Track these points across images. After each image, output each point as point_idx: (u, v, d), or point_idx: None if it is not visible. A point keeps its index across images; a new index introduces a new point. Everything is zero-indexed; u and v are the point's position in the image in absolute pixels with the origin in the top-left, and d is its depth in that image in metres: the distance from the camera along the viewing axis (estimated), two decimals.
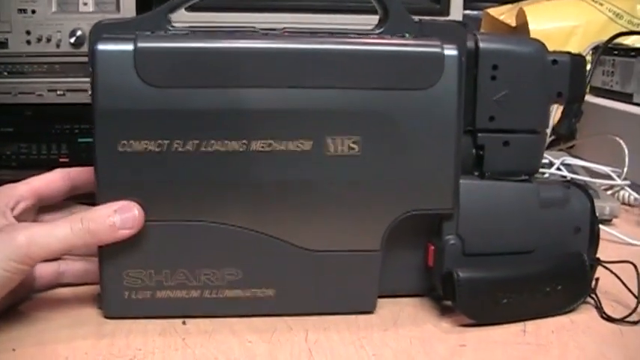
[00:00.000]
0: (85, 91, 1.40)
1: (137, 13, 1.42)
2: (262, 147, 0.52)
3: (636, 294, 0.58)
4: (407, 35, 0.57)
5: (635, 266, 0.59)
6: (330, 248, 0.55)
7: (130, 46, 0.51)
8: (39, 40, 1.41)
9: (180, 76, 0.51)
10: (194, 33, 0.56)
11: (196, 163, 0.52)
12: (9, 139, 1.47)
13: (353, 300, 0.56)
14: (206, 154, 0.52)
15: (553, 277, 0.57)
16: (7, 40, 1.40)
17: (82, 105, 1.43)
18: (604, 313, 0.58)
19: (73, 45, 1.41)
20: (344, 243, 0.55)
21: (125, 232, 0.52)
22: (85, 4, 1.41)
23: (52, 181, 0.59)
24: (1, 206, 0.55)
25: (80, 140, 1.50)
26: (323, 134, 0.53)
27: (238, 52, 0.52)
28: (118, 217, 0.52)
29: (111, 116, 0.51)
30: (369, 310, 0.57)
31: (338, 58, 0.53)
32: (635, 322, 0.57)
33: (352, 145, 0.53)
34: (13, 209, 0.56)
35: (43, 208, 0.60)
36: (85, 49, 1.39)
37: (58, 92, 1.43)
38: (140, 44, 0.51)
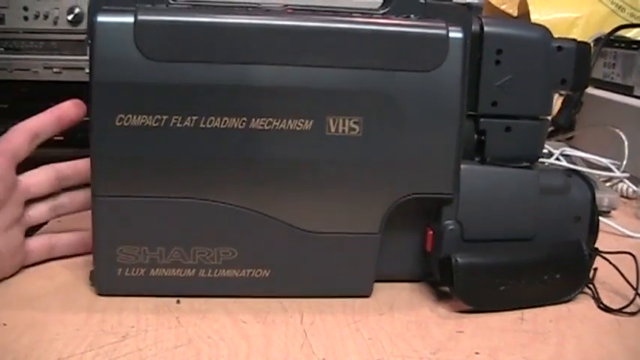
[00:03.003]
0: (82, 69, 1.39)
1: None
2: (262, 125, 0.52)
3: (634, 285, 0.58)
4: (412, 16, 0.56)
5: (635, 257, 0.59)
6: (328, 230, 0.54)
7: (130, 19, 0.50)
8: (36, 16, 1.40)
9: (180, 50, 0.51)
10: (196, 7, 0.55)
11: (194, 140, 0.51)
12: (3, 115, 1.46)
13: (349, 283, 0.56)
14: (205, 131, 0.51)
15: (552, 265, 0.57)
16: (4, 15, 1.39)
17: (78, 83, 1.43)
18: (601, 303, 0.58)
19: (70, 22, 1.40)
20: (342, 225, 0.54)
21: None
22: None
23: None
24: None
25: None
26: (324, 114, 0.52)
27: (240, 28, 0.51)
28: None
29: (109, 89, 0.50)
30: (365, 294, 0.56)
31: (341, 36, 0.52)
32: (632, 313, 0.56)
33: (353, 126, 0.52)
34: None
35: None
36: (82, 26, 1.38)
37: (55, 70, 1.42)
38: (141, 17, 0.50)
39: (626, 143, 0.90)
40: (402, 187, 0.54)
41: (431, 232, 0.57)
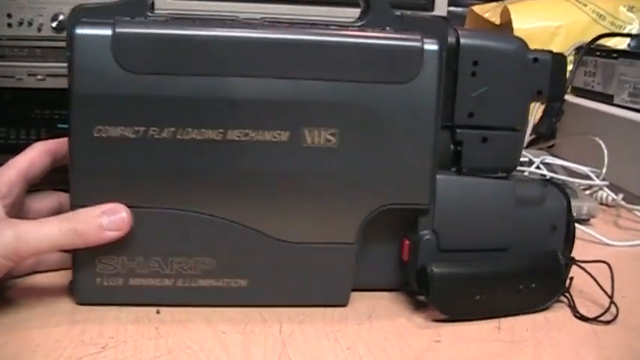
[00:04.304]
0: (65, 76, 1.40)
1: None
2: (239, 136, 0.52)
3: (609, 294, 0.59)
4: (388, 29, 0.57)
5: (609, 266, 0.60)
6: (305, 240, 0.55)
7: (108, 31, 0.50)
8: (20, 23, 1.40)
9: (157, 62, 0.51)
10: (173, 20, 0.55)
11: (172, 151, 0.52)
12: None
13: (326, 293, 0.56)
14: (182, 142, 0.52)
15: (527, 274, 0.58)
16: None
17: (62, 90, 1.43)
18: (577, 312, 0.58)
19: (54, 29, 1.40)
20: (319, 235, 0.55)
21: (113, 234, 0.52)
22: None
23: (36, 158, 0.57)
24: None
25: (60, 126, 1.48)
26: (300, 125, 0.52)
27: (217, 40, 0.52)
28: (107, 219, 0.52)
29: (87, 101, 0.51)
30: (342, 304, 0.57)
31: (317, 49, 0.53)
32: (607, 322, 0.57)
33: (329, 137, 0.53)
34: (4, 198, 0.54)
35: (30, 194, 0.58)
36: (66, 33, 1.38)
37: (39, 77, 1.42)
38: (118, 29, 0.51)
39: (605, 152, 0.91)
40: (378, 198, 0.55)
41: (407, 242, 0.57)
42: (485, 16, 1.35)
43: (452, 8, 1.26)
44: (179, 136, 0.52)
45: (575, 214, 0.79)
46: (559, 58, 0.61)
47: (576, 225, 0.77)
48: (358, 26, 0.58)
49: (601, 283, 0.59)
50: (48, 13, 1.39)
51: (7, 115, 1.46)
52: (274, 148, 0.52)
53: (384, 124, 0.54)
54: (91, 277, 0.54)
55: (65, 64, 1.32)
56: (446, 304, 0.55)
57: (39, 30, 1.39)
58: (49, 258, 0.60)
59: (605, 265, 0.60)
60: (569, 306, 0.59)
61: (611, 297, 0.58)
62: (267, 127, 0.52)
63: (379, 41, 0.54)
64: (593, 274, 0.60)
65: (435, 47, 0.54)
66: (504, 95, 0.59)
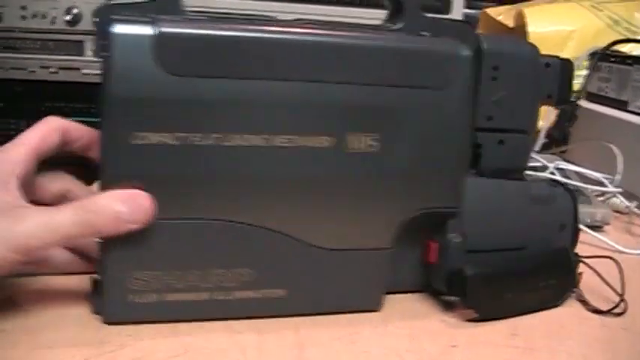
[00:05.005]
0: (79, 69, 1.39)
1: None
2: (283, 142, 0.50)
3: (614, 288, 0.61)
4: (424, 34, 0.57)
5: (616, 260, 0.63)
6: (342, 246, 0.54)
7: (149, 30, 0.47)
8: (34, 15, 1.40)
9: (201, 64, 0.48)
10: (213, 19, 0.53)
11: (215, 158, 0.49)
12: None
13: (361, 298, 0.56)
14: (225, 149, 0.49)
15: (546, 272, 0.60)
16: (1, 14, 1.39)
17: (74, 83, 1.43)
18: (590, 305, 0.60)
19: (68, 22, 1.40)
20: (356, 240, 0.54)
21: (132, 226, 0.48)
22: None
23: (48, 135, 0.53)
24: (3, 175, 0.50)
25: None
26: (345, 130, 0.52)
27: (265, 42, 0.50)
28: (126, 209, 0.48)
29: (125, 105, 0.47)
30: (375, 309, 0.57)
31: (363, 52, 0.52)
32: (619, 314, 0.59)
33: (371, 143, 0.52)
34: (20, 178, 0.50)
35: (39, 172, 0.54)
36: (80, 27, 1.38)
37: (51, 70, 1.42)
38: (160, 28, 0.47)
39: (619, 158, 0.90)
40: (414, 203, 0.55)
41: (434, 245, 0.57)
42: (499, 18, 1.35)
43: (465, 10, 1.26)
44: (223, 143, 0.49)
45: (588, 221, 0.80)
46: (567, 63, 0.63)
47: (590, 232, 0.77)
48: (395, 30, 0.57)
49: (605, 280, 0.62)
50: (62, 6, 1.39)
51: (18, 108, 1.46)
52: (318, 153, 0.51)
53: (422, 128, 0.54)
54: (122, 294, 0.51)
55: (78, 57, 1.32)
56: (480, 305, 0.56)
57: (52, 23, 1.39)
58: (57, 259, 0.56)
59: (604, 262, 0.63)
60: (580, 300, 0.61)
61: (620, 292, 0.60)
62: (312, 133, 0.51)
63: (421, 46, 0.54)
64: (596, 270, 0.62)
65: (468, 53, 0.54)
66: (520, 99, 0.60)
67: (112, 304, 0.51)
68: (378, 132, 0.52)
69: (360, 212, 0.54)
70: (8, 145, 0.52)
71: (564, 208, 0.63)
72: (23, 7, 1.39)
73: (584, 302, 0.61)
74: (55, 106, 1.46)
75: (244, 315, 0.53)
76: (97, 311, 0.52)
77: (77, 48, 1.43)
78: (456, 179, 0.56)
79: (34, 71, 1.43)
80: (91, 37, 1.44)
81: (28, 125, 1.57)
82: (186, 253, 0.51)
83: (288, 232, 0.52)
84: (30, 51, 1.43)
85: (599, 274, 0.62)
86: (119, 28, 0.47)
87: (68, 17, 1.42)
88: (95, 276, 0.53)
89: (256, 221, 0.52)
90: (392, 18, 0.59)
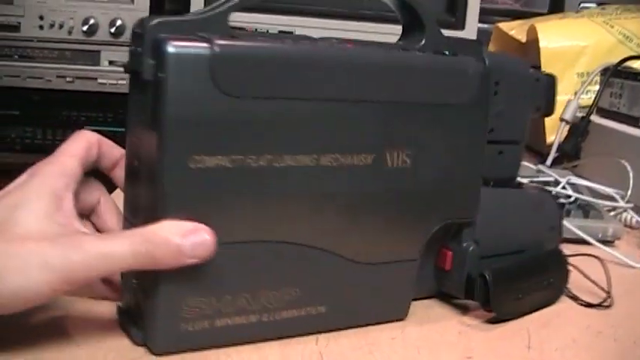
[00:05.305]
0: (94, 79, 1.41)
1: (151, 5, 1.43)
2: (330, 161, 0.50)
3: (598, 283, 0.66)
4: (446, 53, 0.58)
5: (599, 258, 0.69)
6: (377, 260, 0.55)
7: (206, 50, 0.45)
8: (51, 25, 1.42)
9: (257, 84, 0.47)
10: (267, 37, 0.52)
11: (267, 179, 0.48)
12: (15, 122, 1.49)
13: (390, 309, 0.57)
14: (278, 170, 0.48)
15: (546, 272, 0.63)
16: (19, 23, 1.41)
17: (90, 93, 1.45)
18: (582, 301, 0.64)
19: (85, 33, 1.43)
20: (389, 254, 0.55)
21: (192, 261, 0.45)
22: None
23: (90, 147, 0.50)
24: (58, 190, 0.47)
25: (86, 128, 1.51)
26: (383, 148, 0.52)
27: (319, 62, 0.50)
28: (188, 242, 0.45)
29: (183, 128, 0.45)
30: (402, 318, 0.58)
31: (402, 72, 0.53)
32: (608, 306, 0.63)
33: (405, 159, 0.53)
34: (72, 192, 0.47)
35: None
36: (96, 37, 1.40)
37: (67, 79, 1.44)
38: (218, 48, 0.45)
39: (631, 174, 0.91)
40: (441, 215, 0.57)
41: (450, 253, 0.59)
42: (511, 33, 1.36)
43: (478, 25, 1.27)
44: (275, 164, 0.48)
45: (600, 236, 0.81)
46: (552, 78, 0.67)
47: (601, 247, 0.78)
48: (419, 48, 0.57)
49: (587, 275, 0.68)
50: (79, 17, 1.41)
51: (34, 116, 1.48)
52: (360, 171, 0.52)
53: (447, 142, 0.55)
54: (175, 324, 0.48)
55: (94, 67, 1.33)
56: (502, 307, 0.58)
57: (69, 33, 1.42)
58: (97, 283, 0.52)
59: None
60: (569, 296, 0.65)
61: (607, 290, 0.65)
62: (355, 151, 0.51)
63: (449, 65, 0.55)
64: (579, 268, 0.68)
65: (484, 70, 0.56)
66: (516, 111, 0.63)
67: (163, 334, 0.48)
68: (411, 148, 0.53)
69: (394, 226, 0.55)
70: (55, 158, 0.49)
71: (552, 211, 0.68)
72: (41, 17, 1.41)
73: (573, 298, 0.64)
74: (70, 114, 1.48)
75: (288, 334, 0.52)
76: (143, 342, 0.49)
77: (93, 58, 1.45)
78: (474, 191, 0.58)
79: (50, 80, 1.45)
80: (107, 47, 1.46)
81: (44, 133, 1.59)
82: (238, 276, 0.49)
83: (329, 249, 0.52)
84: (47, 60, 1.46)
85: (581, 272, 0.67)
86: (175, 48, 0.45)
87: (85, 28, 1.44)
88: (121, 304, 0.51)
89: (303, 240, 0.51)
90: (411, 35, 0.59)
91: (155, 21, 0.46)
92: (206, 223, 0.46)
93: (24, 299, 0.43)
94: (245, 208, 0.48)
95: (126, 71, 0.48)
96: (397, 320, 0.57)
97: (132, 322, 0.50)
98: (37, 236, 0.44)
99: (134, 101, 0.48)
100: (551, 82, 0.66)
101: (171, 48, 0.44)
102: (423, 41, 0.57)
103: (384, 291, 0.56)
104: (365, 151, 0.52)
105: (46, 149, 1.54)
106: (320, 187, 0.51)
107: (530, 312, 0.61)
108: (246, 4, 0.50)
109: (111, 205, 0.54)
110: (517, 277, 0.60)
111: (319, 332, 0.54)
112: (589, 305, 0.63)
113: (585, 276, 0.67)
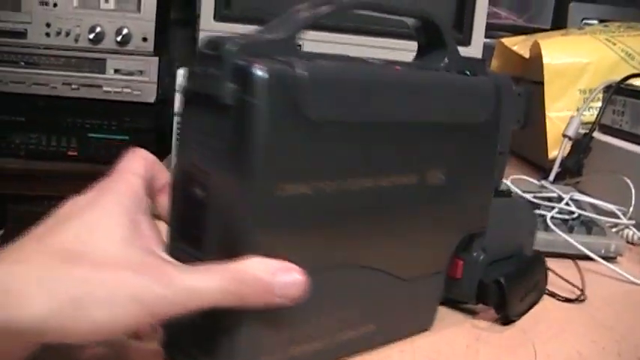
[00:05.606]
0: (100, 87, 1.42)
1: (158, 14, 1.45)
2: (389, 182, 0.51)
3: (572, 282, 0.71)
4: (467, 72, 0.59)
5: (575, 262, 0.76)
6: (415, 274, 0.55)
7: (291, 73, 0.43)
8: (58, 33, 1.44)
9: (338, 108, 0.46)
10: (342, 60, 0.50)
11: (338, 204, 0.47)
12: (20, 128, 1.50)
13: (420, 321, 0.58)
14: (346, 194, 0.47)
15: (534, 274, 0.66)
16: (26, 30, 1.43)
17: (95, 100, 1.46)
18: (560, 296, 0.68)
19: (91, 41, 1.44)
20: (425, 268, 0.56)
21: (281, 301, 0.42)
22: (107, 1, 1.44)
23: (149, 166, 0.47)
24: (133, 212, 0.44)
25: (90, 135, 1.53)
26: (426, 166, 0.53)
27: (393, 85, 0.50)
28: (279, 281, 0.42)
29: (271, 155, 0.43)
30: (428, 328, 0.59)
31: (444, 93, 0.54)
32: (582, 301, 0.68)
33: (441, 176, 0.54)
34: (146, 214, 0.45)
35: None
36: (102, 45, 1.41)
37: (73, 86, 1.46)
38: (302, 71, 0.44)
39: (633, 190, 0.92)
40: (464, 227, 0.58)
41: (461, 262, 0.60)
42: (514, 48, 1.37)
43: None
44: (345, 187, 0.47)
45: (602, 252, 0.81)
46: (530, 92, 0.72)
47: (604, 262, 0.79)
48: (443, 68, 0.57)
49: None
50: (85, 25, 1.42)
51: (39, 122, 1.49)
52: (407, 190, 0.52)
53: (470, 159, 0.57)
54: (254, 357, 0.46)
55: (99, 75, 1.33)
56: (513, 310, 0.61)
57: (76, 40, 1.43)
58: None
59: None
60: (549, 294, 0.68)
61: (581, 289, 0.70)
62: (406, 171, 0.52)
63: (473, 84, 0.57)
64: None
65: (496, 88, 0.58)
66: (504, 124, 0.63)
67: None
68: (443, 166, 0.54)
69: (430, 240, 0.56)
70: (120, 175, 0.46)
71: (531, 217, 0.72)
72: (48, 25, 1.42)
73: (552, 295, 0.68)
74: (75, 121, 1.49)
75: (345, 355, 0.52)
76: None
77: (99, 66, 1.47)
78: (487, 203, 0.60)
79: (55, 87, 1.46)
80: (113, 55, 1.47)
81: (48, 140, 1.60)
82: (310, 304, 0.45)
83: (382, 268, 0.52)
84: (53, 67, 1.47)
85: (555, 272, 0.72)
86: (265, 72, 0.42)
87: (91, 36, 1.45)
88: (166, 337, 0.48)
89: (363, 261, 0.51)
90: (431, 53, 0.58)
91: (232, 42, 0.43)
92: (287, 254, 0.44)
93: (107, 331, 0.39)
94: (318, 235, 0.47)
95: (185, 94, 0.46)
96: (423, 331, 0.58)
97: (189, 357, 0.47)
98: (122, 264, 0.40)
99: (196, 126, 0.45)
100: (529, 96, 0.69)
101: (260, 72, 0.42)
102: (446, 60, 0.57)
103: (420, 304, 0.57)
104: (412, 171, 0.52)
105: (50, 156, 1.55)
106: (379, 209, 0.50)
107: (527, 311, 0.64)
108: (314, 22, 0.48)
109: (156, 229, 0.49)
110: (521, 281, 0.63)
111: (368, 350, 0.54)
112: (567, 300, 0.68)
113: (559, 275, 0.72)
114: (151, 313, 0.39)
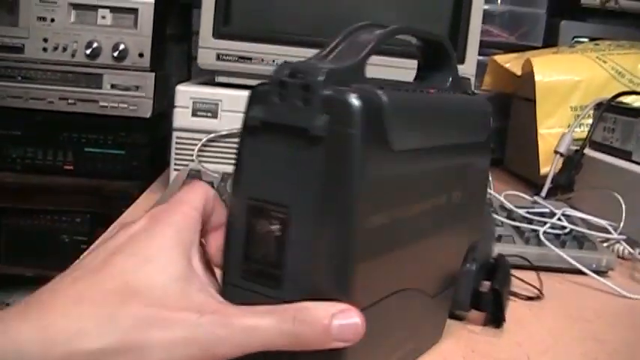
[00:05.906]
0: (96, 102, 1.43)
1: (154, 30, 1.45)
2: (429, 205, 0.50)
3: (531, 283, 0.75)
4: (469, 92, 0.60)
5: (529, 261, 0.80)
6: (438, 290, 0.56)
7: (380, 102, 0.42)
8: (55, 48, 1.44)
9: (413, 136, 0.46)
10: (393, 86, 0.48)
11: (407, 230, 0.47)
12: (16, 142, 1.50)
13: (435, 334, 0.59)
14: (409, 220, 0.47)
15: (505, 276, 0.68)
16: (23, 45, 1.43)
17: (91, 115, 1.47)
18: (522, 295, 0.73)
19: (88, 56, 1.44)
20: (444, 283, 0.57)
21: (338, 344, 0.40)
22: (104, 17, 1.45)
23: (207, 201, 0.45)
24: (188, 249, 0.42)
25: (86, 150, 1.53)
26: (452, 186, 0.54)
27: (443, 110, 0.52)
28: (337, 323, 0.40)
29: (366, 187, 0.41)
30: (438, 341, 0.59)
31: (462, 114, 0.56)
32: (539, 298, 0.73)
33: (460, 194, 0.55)
34: (198, 249, 0.44)
35: None
36: (99, 61, 1.42)
37: (69, 101, 1.46)
38: (387, 100, 0.43)
39: (623, 206, 0.93)
40: (469, 241, 0.60)
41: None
42: (507, 66, 1.38)
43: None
44: (409, 214, 0.47)
45: (594, 266, 0.82)
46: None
47: (595, 277, 0.80)
48: (449, 88, 0.57)
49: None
50: (83, 40, 1.43)
51: (36, 137, 1.50)
52: (440, 211, 0.52)
53: (476, 176, 0.58)
54: None
55: (96, 90, 1.33)
56: (504, 315, 0.65)
57: (73, 55, 1.44)
58: None
59: None
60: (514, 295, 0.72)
61: (539, 289, 0.74)
62: (440, 192, 0.52)
63: (479, 105, 0.58)
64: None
65: (489, 108, 0.60)
66: None
67: None
68: (461, 184, 0.55)
69: (449, 256, 0.57)
70: (177, 206, 0.44)
71: (492, 223, 0.78)
72: (45, 40, 1.43)
73: (514, 295, 0.72)
74: (71, 136, 1.50)
75: None
76: None
77: (96, 81, 1.47)
78: (482, 215, 0.62)
79: (52, 102, 1.47)
80: (110, 70, 1.48)
81: (44, 154, 1.60)
82: (372, 331, 0.43)
83: (422, 288, 0.52)
84: (49, 82, 1.47)
85: (515, 275, 0.73)
86: (361, 102, 0.41)
87: (88, 51, 1.46)
88: None
89: (413, 284, 0.50)
90: (432, 74, 0.58)
91: (316, 70, 0.42)
92: (371, 288, 0.43)
93: None
94: (391, 264, 0.46)
95: (252, 123, 0.43)
96: (436, 343, 0.59)
97: None
98: (182, 304, 0.39)
99: (271, 158, 0.43)
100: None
101: (356, 101, 0.40)
102: (450, 81, 0.57)
103: (437, 318, 0.59)
104: (443, 192, 0.52)
105: (46, 170, 1.55)
106: (424, 230, 0.50)
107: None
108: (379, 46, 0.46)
109: (209, 267, 0.47)
110: (506, 286, 0.67)
111: None
112: (528, 298, 0.73)
113: (517, 278, 0.75)
114: (209, 356, 0.39)
